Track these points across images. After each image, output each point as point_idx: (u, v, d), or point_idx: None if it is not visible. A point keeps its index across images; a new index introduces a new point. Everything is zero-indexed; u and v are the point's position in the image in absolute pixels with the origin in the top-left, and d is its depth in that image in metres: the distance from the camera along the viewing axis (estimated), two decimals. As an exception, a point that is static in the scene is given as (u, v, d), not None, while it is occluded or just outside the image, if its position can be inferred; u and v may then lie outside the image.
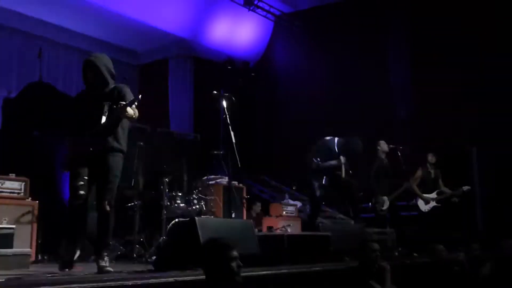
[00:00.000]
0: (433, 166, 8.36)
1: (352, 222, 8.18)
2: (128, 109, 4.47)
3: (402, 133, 10.51)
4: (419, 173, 8.31)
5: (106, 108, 4.61)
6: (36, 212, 6.19)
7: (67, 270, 4.47)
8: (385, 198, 8.18)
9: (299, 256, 5.24)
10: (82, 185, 4.56)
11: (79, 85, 11.57)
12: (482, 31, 9.80)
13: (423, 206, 8.23)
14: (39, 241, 6.40)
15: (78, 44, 11.80)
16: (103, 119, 4.57)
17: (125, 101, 4.50)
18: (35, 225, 6.10)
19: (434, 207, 8.21)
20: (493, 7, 9.76)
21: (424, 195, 8.22)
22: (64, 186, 8.72)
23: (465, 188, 8.21)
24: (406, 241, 7.71)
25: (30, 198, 6.29)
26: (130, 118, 4.63)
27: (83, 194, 4.55)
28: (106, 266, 4.46)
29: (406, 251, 7.44)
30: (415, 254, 7.24)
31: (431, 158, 8.35)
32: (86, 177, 4.57)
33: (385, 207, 8.19)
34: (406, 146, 8.59)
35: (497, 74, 9.47)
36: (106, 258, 4.54)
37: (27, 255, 5.27)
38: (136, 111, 4.64)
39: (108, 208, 4.59)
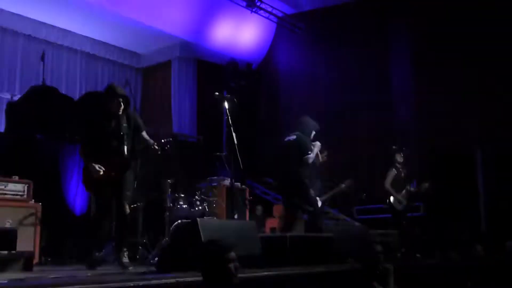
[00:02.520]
0: (402, 165, 8.31)
1: (355, 223, 8.17)
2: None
3: (404, 135, 10.49)
4: (392, 173, 8.28)
5: (126, 138, 5.14)
6: (39, 214, 6.21)
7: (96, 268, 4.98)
8: (317, 199, 8.14)
9: (301, 257, 5.22)
10: (107, 199, 5.16)
11: (82, 88, 11.72)
12: (484, 30, 9.79)
13: (397, 205, 8.19)
14: (42, 244, 6.42)
15: (81, 46, 11.82)
16: (125, 148, 5.12)
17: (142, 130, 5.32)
18: (38, 228, 6.11)
19: (405, 206, 8.20)
20: (495, 8, 9.74)
21: (397, 194, 8.19)
22: (68, 189, 8.77)
23: (426, 184, 8.18)
24: (409, 242, 7.69)
25: (33, 201, 6.31)
26: None
27: (108, 207, 5.16)
28: (128, 262, 5.03)
29: (409, 253, 7.43)
30: (418, 256, 7.23)
31: (399, 157, 8.33)
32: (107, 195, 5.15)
33: None
34: (407, 148, 8.54)
35: (501, 74, 9.44)
36: (126, 254, 5.07)
37: (30, 257, 5.27)
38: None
39: (128, 210, 5.14)
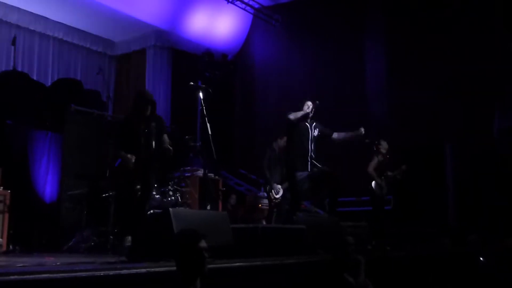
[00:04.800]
0: (385, 152, 8.49)
1: (327, 215, 8.22)
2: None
3: (377, 129, 10.59)
4: (375, 160, 8.44)
5: (153, 137, 5.63)
6: (8, 201, 6.10)
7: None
8: (279, 186, 8.26)
9: (273, 249, 5.24)
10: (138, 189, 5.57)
11: (54, 74, 11.51)
12: (458, 28, 9.93)
13: (378, 190, 8.35)
14: (11, 231, 6.32)
15: (54, 32, 11.58)
16: (153, 145, 5.59)
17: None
18: (6, 215, 6.01)
19: (384, 194, 8.40)
20: (468, 6, 9.90)
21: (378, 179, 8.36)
22: (37, 176, 8.64)
23: (404, 167, 8.39)
24: (380, 234, 7.78)
25: (2, 188, 6.20)
26: None
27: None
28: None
29: (380, 245, 7.51)
30: (388, 248, 7.31)
31: (385, 145, 8.52)
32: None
33: (279, 196, 8.27)
34: (379, 141, 8.65)
35: (472, 72, 9.58)
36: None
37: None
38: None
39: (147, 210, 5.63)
